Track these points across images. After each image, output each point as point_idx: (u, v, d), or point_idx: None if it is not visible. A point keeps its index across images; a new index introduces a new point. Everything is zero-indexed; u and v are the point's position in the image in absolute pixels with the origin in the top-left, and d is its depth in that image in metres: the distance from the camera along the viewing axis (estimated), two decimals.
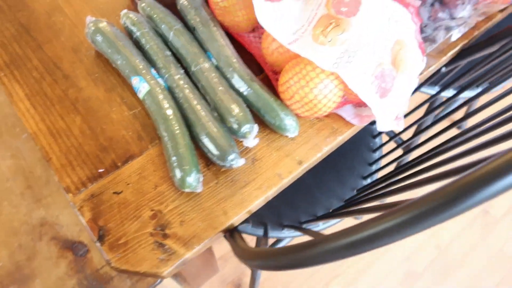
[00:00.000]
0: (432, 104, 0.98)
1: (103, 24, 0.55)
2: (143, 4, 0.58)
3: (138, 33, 0.55)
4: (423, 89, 0.90)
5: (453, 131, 1.43)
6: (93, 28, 0.55)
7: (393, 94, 0.50)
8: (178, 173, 0.46)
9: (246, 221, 0.74)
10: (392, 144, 1.43)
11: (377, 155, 0.81)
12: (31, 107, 0.54)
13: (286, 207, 0.74)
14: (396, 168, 0.62)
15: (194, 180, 0.46)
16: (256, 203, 0.48)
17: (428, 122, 1.10)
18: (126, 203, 0.47)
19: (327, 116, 0.54)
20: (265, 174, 0.50)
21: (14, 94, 0.55)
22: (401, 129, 0.52)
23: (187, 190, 0.46)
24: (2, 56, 0.58)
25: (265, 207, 0.74)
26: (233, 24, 0.55)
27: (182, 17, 0.58)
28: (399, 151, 1.43)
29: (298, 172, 0.51)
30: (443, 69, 0.67)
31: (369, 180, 0.78)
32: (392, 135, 1.13)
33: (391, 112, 0.52)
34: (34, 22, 0.61)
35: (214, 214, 0.47)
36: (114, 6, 0.64)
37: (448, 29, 0.57)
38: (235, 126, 0.48)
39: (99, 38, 0.54)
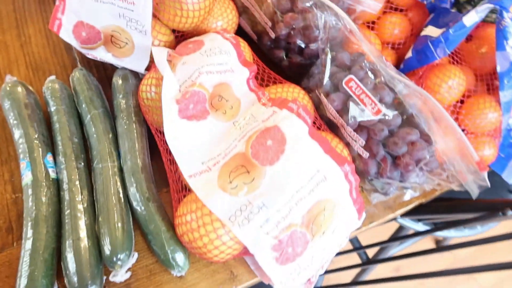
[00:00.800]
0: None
1: (17, 90, 0.49)
2: (74, 75, 0.52)
3: (52, 108, 0.49)
4: None
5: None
6: (6, 89, 0.49)
7: (304, 258, 0.42)
8: None
9: None
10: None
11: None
12: None
13: None
14: None
15: None
16: None
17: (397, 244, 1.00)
18: None
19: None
20: None
21: None
22: None
23: None
24: None
25: None
26: (156, 125, 0.48)
27: (113, 99, 0.52)
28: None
29: None
30: (399, 217, 0.59)
31: None
32: (358, 246, 1.03)
33: (302, 276, 0.43)
34: None
35: None
36: (53, 63, 0.58)
37: (402, 186, 0.50)
38: (107, 252, 0.41)
39: (6, 104, 0.49)
